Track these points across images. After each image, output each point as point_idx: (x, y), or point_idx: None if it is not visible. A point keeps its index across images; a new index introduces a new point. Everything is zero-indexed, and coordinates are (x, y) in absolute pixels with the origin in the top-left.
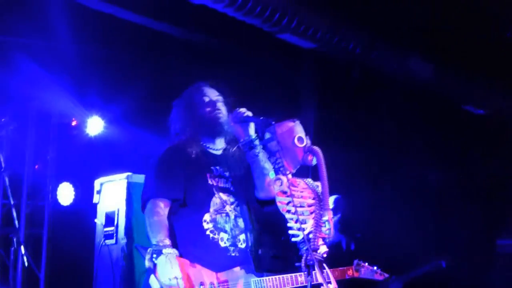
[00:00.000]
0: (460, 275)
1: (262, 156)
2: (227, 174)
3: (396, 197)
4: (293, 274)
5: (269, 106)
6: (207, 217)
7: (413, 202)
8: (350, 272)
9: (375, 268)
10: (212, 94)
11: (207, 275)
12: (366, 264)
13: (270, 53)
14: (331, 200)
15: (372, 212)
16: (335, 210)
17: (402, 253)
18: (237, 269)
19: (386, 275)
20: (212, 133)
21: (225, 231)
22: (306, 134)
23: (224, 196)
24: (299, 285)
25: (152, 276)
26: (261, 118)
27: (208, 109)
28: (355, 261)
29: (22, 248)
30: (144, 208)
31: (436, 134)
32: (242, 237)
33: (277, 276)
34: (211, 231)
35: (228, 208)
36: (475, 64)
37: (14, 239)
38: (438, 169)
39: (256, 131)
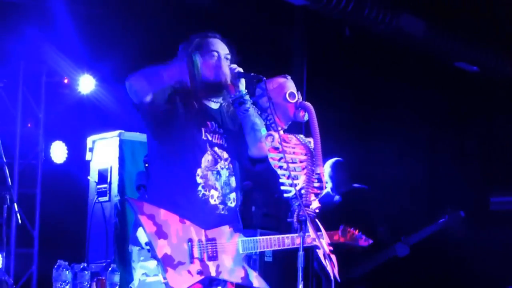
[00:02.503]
0: (454, 233)
1: (252, 111)
2: (221, 130)
3: (388, 155)
4: (280, 236)
5: (260, 63)
6: (199, 172)
7: (404, 160)
8: (336, 237)
9: (360, 233)
10: (221, 49)
11: (196, 232)
12: (352, 229)
13: (261, 9)
14: (329, 163)
15: (364, 169)
16: (334, 173)
17: (397, 213)
18: (225, 227)
19: (370, 241)
20: (213, 91)
21: (216, 189)
22: (298, 91)
23: (218, 152)
24: (286, 247)
25: (140, 229)
26: (252, 74)
27: (215, 65)
28: (341, 226)
29: (16, 205)
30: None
31: (429, 91)
32: (232, 195)
33: (264, 237)
34: (202, 187)
35: (220, 165)
36: (467, 21)
37: (7, 197)
38: (430, 127)
39: (246, 87)
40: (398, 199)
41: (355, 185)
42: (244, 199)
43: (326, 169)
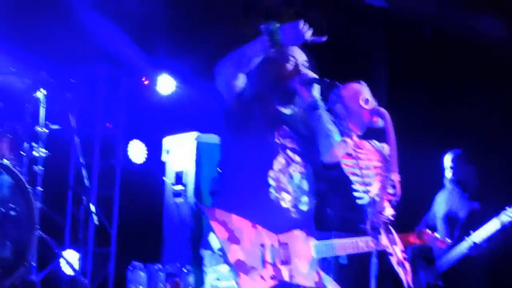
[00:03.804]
0: None
1: (326, 117)
2: (294, 135)
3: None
4: (353, 239)
5: (339, 69)
6: (271, 174)
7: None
8: (412, 239)
9: (436, 235)
10: (300, 56)
11: (268, 237)
12: (427, 230)
13: (340, 12)
14: (449, 157)
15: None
16: (454, 169)
17: None
18: (298, 231)
19: (448, 242)
20: (288, 98)
21: (287, 192)
22: (374, 96)
23: (290, 155)
24: (360, 250)
25: (211, 234)
26: (326, 79)
27: (291, 72)
28: (417, 228)
29: (92, 207)
30: None
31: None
32: (304, 199)
33: (338, 241)
34: (274, 189)
35: (292, 168)
36: None
37: (84, 198)
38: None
39: (321, 93)
40: None
41: None
42: (318, 201)
43: (447, 162)
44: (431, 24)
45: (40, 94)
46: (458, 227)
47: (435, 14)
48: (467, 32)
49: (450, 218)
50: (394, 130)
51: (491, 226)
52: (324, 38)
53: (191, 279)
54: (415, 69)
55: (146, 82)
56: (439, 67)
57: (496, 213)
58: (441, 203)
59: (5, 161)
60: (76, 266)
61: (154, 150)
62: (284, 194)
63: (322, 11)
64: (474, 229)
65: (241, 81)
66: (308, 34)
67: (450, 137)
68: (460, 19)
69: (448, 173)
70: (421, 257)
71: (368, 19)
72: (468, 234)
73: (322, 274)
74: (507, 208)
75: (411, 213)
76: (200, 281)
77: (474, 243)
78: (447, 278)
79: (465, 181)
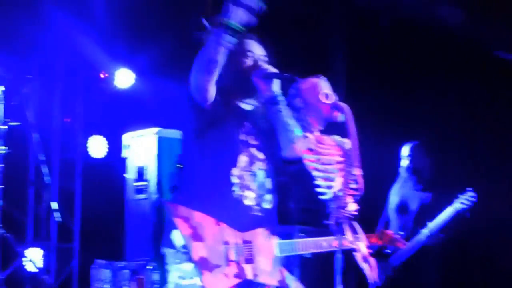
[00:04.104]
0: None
1: (286, 112)
2: (255, 131)
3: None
4: (316, 239)
5: (297, 62)
6: (235, 171)
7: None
8: (373, 240)
9: (396, 236)
10: (258, 51)
11: (232, 235)
12: (388, 232)
13: (295, 4)
14: (407, 147)
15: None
16: (411, 158)
17: None
18: (261, 230)
19: (407, 243)
20: (248, 93)
21: (251, 190)
22: (334, 90)
23: (254, 152)
24: (323, 250)
25: (175, 231)
26: (286, 74)
27: (250, 67)
28: (378, 229)
29: (54, 203)
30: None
31: (467, 81)
32: (268, 197)
33: (301, 240)
34: (237, 187)
35: (256, 166)
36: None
37: (45, 195)
38: (471, 119)
39: (280, 88)
40: None
41: None
42: (280, 195)
43: (404, 151)
44: (390, 12)
45: None
46: (410, 218)
47: (393, 1)
48: (425, 19)
49: (402, 209)
50: (354, 123)
51: (446, 214)
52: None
53: (155, 276)
54: (374, 59)
55: (103, 76)
56: (398, 57)
57: (449, 203)
58: (394, 194)
59: None
60: (40, 264)
61: (114, 144)
62: (247, 192)
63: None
64: (428, 220)
65: (213, 86)
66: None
67: (408, 129)
68: (419, 6)
69: (405, 162)
70: (375, 251)
71: (326, 8)
72: (424, 226)
73: (286, 273)
74: (459, 195)
75: (373, 207)
76: (164, 279)
77: (431, 232)
78: (402, 270)
79: (420, 171)
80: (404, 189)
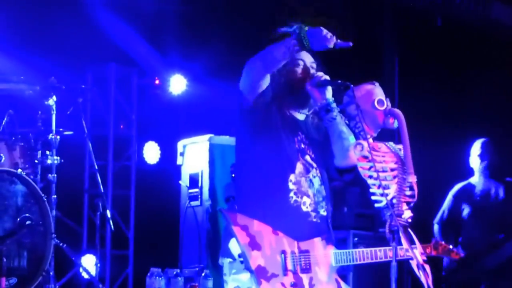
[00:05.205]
0: None
1: (339, 119)
2: (308, 140)
3: None
4: (373, 249)
5: (348, 68)
6: (292, 177)
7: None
8: (428, 250)
9: (451, 247)
10: (307, 58)
11: (289, 244)
12: (443, 242)
13: (347, 8)
14: (478, 144)
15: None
16: (482, 155)
17: None
18: (317, 239)
19: (462, 254)
20: (301, 103)
21: (308, 196)
22: (387, 96)
23: (309, 160)
24: (379, 260)
25: (233, 240)
26: (339, 81)
27: (303, 76)
28: (433, 240)
29: (108, 212)
30: None
31: None
32: (324, 204)
33: (357, 250)
34: (294, 193)
35: (312, 173)
36: None
37: (100, 204)
38: None
39: (333, 95)
40: None
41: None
42: (335, 200)
43: (475, 150)
44: (442, 12)
45: (51, 100)
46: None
47: (445, 1)
48: (478, 19)
49: (481, 212)
50: (407, 127)
51: None
52: (350, 43)
53: (210, 283)
54: (426, 61)
55: (157, 82)
56: (451, 57)
57: None
58: (461, 198)
59: (19, 171)
60: (94, 271)
61: (167, 151)
62: (305, 198)
63: (331, 9)
64: None
65: (266, 81)
66: (334, 39)
67: (465, 128)
68: (471, 6)
69: (476, 160)
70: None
71: (377, 12)
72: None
73: (342, 283)
74: None
75: (429, 214)
76: (218, 285)
77: None
78: None
79: (495, 167)
80: (482, 184)
